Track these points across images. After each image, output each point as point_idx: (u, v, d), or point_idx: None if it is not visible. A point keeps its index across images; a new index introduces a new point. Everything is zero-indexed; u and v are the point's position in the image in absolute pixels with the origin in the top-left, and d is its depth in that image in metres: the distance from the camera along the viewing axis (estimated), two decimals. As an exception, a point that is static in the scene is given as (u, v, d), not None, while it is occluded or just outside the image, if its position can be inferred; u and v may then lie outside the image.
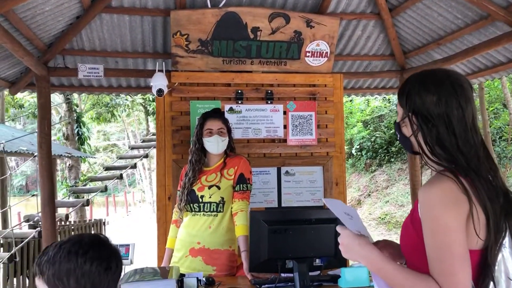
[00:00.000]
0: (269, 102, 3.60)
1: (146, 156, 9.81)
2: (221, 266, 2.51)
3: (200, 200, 2.59)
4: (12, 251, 5.28)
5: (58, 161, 13.30)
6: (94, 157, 18.18)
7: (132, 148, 10.78)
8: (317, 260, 2.08)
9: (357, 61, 4.55)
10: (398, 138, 1.32)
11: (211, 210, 2.57)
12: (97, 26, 3.76)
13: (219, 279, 2.29)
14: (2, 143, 6.54)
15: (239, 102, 3.55)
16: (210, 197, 2.57)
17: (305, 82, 3.67)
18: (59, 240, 1.23)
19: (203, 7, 3.60)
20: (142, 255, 5.27)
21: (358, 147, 14.31)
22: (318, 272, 2.13)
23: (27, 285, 5.96)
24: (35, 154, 4.14)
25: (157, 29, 3.86)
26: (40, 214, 4.07)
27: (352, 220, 1.27)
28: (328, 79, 3.71)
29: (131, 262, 2.68)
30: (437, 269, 1.07)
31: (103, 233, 8.41)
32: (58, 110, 13.65)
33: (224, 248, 2.55)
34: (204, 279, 2.21)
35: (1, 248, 5.65)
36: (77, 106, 13.04)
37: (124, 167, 8.35)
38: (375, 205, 12.26)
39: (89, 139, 13.55)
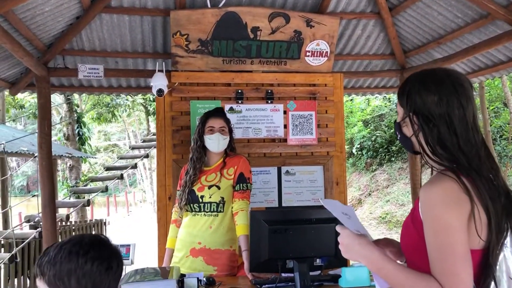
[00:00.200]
0: (269, 101, 3.60)
1: (147, 156, 9.81)
2: (222, 266, 2.51)
3: (200, 200, 2.58)
4: (13, 252, 5.28)
5: (59, 161, 13.32)
6: (95, 157, 18.19)
7: (133, 148, 10.78)
8: (318, 260, 2.08)
9: (357, 60, 4.54)
10: (398, 138, 1.32)
11: (212, 210, 2.57)
12: (97, 26, 3.76)
13: (220, 279, 2.29)
14: (3, 143, 6.54)
15: (239, 102, 3.55)
16: (210, 197, 2.57)
17: (305, 81, 3.67)
18: (60, 240, 1.23)
19: (203, 7, 3.59)
20: (143, 255, 5.27)
21: (358, 146, 14.31)
22: (319, 272, 2.13)
23: (28, 285, 5.96)
24: (36, 154, 4.14)
25: (157, 29, 3.86)
26: (41, 214, 4.07)
27: (351, 219, 1.26)
28: (328, 79, 3.71)
29: (132, 262, 2.68)
30: (438, 269, 1.07)
31: (104, 234, 8.43)
32: (59, 110, 13.66)
33: (225, 248, 2.55)
34: (204, 279, 2.21)
35: (2, 249, 5.65)
36: (78, 107, 13.05)
37: (125, 167, 8.34)
38: (375, 204, 12.26)
39: (90, 139, 13.56)
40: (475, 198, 1.09)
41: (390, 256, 1.34)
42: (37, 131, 3.89)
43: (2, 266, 5.27)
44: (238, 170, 2.62)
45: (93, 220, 9.25)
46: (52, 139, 3.95)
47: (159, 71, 3.49)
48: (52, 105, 4.32)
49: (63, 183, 14.18)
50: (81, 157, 11.41)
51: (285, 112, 3.61)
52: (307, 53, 3.65)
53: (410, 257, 1.23)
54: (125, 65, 4.18)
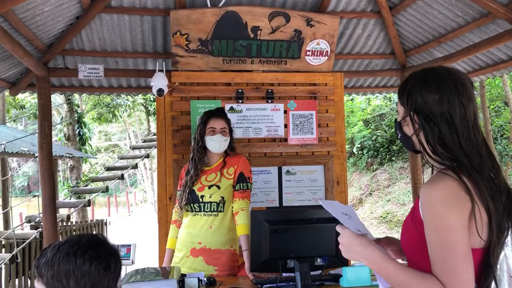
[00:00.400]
0: (269, 101, 3.59)
1: (148, 156, 9.82)
2: (222, 266, 2.51)
3: (201, 200, 2.58)
4: (14, 252, 5.28)
5: (60, 161, 13.33)
6: (96, 158, 18.20)
7: (133, 148, 10.78)
8: (319, 260, 2.08)
9: (357, 59, 4.54)
10: (399, 137, 1.31)
11: (212, 210, 2.57)
12: (97, 26, 3.76)
13: (220, 279, 2.28)
14: (4, 144, 6.54)
15: (240, 101, 3.55)
16: (210, 197, 2.57)
17: (305, 81, 3.67)
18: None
19: (203, 6, 3.59)
20: (144, 255, 5.27)
21: (359, 146, 14.29)
22: (320, 271, 2.13)
23: (28, 285, 5.97)
24: (36, 155, 4.13)
25: (157, 28, 3.85)
26: (41, 214, 4.07)
27: (351, 219, 1.26)
28: (328, 78, 3.70)
29: (133, 263, 2.67)
30: (440, 268, 1.06)
31: (105, 234, 8.43)
32: (59, 110, 13.67)
33: (225, 248, 2.54)
34: (205, 279, 2.21)
35: (3, 249, 5.65)
36: (78, 107, 13.05)
37: (126, 167, 8.35)
38: (376, 204, 12.25)
39: (90, 139, 13.56)
40: (476, 197, 1.08)
41: (391, 255, 1.34)
42: (37, 131, 3.89)
43: (3, 266, 5.27)
44: (238, 169, 2.62)
45: (94, 220, 9.25)
46: (53, 139, 3.95)
47: (159, 71, 3.49)
48: (52, 105, 4.32)
49: (63, 183, 14.19)
50: (81, 157, 11.41)
51: (285, 112, 3.60)
52: (308, 53, 3.64)
53: (410, 256, 1.23)
54: (125, 65, 4.18)
